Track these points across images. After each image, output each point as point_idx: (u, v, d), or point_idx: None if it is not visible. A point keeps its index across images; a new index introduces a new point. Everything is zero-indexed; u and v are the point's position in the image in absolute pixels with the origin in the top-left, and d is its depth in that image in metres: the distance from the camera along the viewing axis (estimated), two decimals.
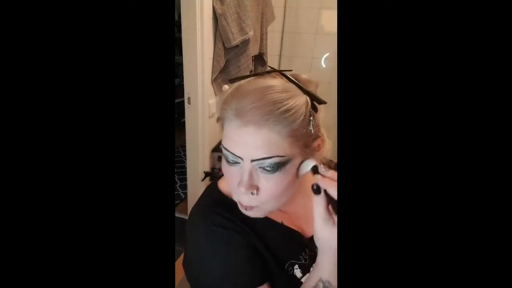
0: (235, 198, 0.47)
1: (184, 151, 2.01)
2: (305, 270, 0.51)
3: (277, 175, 0.42)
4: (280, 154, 0.40)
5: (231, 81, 0.47)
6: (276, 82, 0.43)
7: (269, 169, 0.41)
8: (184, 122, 1.80)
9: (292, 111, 0.40)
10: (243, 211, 0.46)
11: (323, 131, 0.46)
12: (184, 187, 2.34)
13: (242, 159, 0.41)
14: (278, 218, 0.53)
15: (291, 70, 0.47)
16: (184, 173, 2.15)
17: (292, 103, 0.40)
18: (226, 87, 0.47)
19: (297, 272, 0.50)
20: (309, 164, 0.43)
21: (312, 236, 0.53)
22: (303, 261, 0.51)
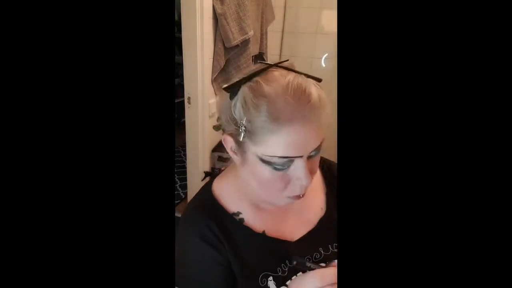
0: (283, 196, 0.46)
1: (184, 151, 2.01)
2: (280, 282, 0.50)
3: (318, 154, 0.45)
4: (324, 136, 0.43)
5: (226, 89, 0.44)
6: (284, 74, 0.43)
7: (315, 153, 0.43)
8: (184, 122, 1.80)
9: (323, 97, 0.42)
10: (296, 200, 0.47)
11: None
12: (184, 187, 2.35)
13: (301, 157, 0.42)
14: (261, 225, 0.53)
15: (287, 60, 0.46)
16: (184, 173, 2.15)
17: (315, 88, 0.42)
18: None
19: (271, 284, 0.49)
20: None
21: (300, 238, 0.53)
22: (279, 273, 0.50)
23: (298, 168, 0.42)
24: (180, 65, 1.81)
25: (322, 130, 0.43)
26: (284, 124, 0.39)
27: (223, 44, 1.67)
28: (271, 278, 0.50)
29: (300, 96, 0.40)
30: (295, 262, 0.45)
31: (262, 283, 0.49)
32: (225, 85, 0.44)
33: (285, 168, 0.43)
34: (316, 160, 0.46)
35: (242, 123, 0.41)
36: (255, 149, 0.42)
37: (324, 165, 0.62)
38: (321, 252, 0.54)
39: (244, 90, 0.42)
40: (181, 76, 2.50)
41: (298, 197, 0.46)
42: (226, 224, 0.51)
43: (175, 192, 2.41)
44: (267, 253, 0.51)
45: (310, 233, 0.55)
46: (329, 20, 2.27)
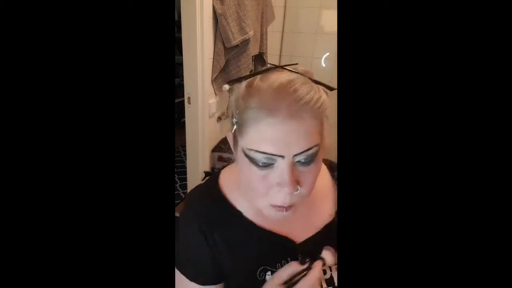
0: (265, 203, 0.44)
1: (184, 151, 2.02)
2: None
3: (313, 166, 0.41)
4: (317, 143, 0.40)
5: (231, 82, 0.45)
6: (289, 76, 0.42)
7: (306, 161, 0.40)
8: (184, 122, 1.80)
9: (321, 100, 0.41)
10: (280, 214, 0.44)
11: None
12: (184, 187, 2.35)
13: (283, 156, 0.39)
14: (264, 222, 0.52)
15: (296, 64, 0.45)
16: (184, 173, 2.15)
17: (318, 93, 0.41)
18: (226, 86, 0.46)
19: (269, 279, 0.49)
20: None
21: (304, 241, 0.53)
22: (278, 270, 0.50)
23: (279, 171, 0.40)
24: (180, 65, 1.81)
25: (317, 135, 0.40)
26: (266, 115, 0.39)
27: (223, 44, 1.67)
28: (269, 273, 0.50)
29: (287, 91, 0.39)
30: (300, 258, 0.45)
31: (260, 277, 0.50)
32: (228, 81, 0.45)
33: (266, 167, 0.41)
34: (309, 171, 0.42)
35: (234, 116, 0.42)
36: (242, 143, 0.42)
37: (335, 170, 0.61)
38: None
39: (241, 85, 0.43)
40: (181, 76, 2.50)
41: (282, 208, 0.43)
42: (228, 213, 0.51)
43: (175, 192, 2.41)
44: (269, 248, 0.51)
45: (314, 237, 0.53)
46: (329, 20, 2.28)
